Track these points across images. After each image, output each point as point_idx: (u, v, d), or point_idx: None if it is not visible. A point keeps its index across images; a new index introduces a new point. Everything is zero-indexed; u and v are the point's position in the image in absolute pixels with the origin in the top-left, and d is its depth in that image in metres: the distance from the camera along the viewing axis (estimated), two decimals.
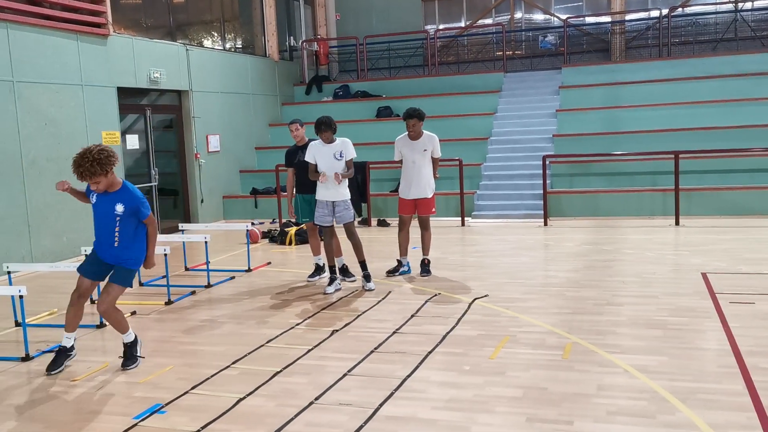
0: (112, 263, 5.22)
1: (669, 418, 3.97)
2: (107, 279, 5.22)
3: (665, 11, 16.06)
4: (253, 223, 12.05)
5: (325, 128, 7.23)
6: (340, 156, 7.29)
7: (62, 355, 5.28)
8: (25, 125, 9.32)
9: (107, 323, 5.45)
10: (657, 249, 9.02)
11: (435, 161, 8.01)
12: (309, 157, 7.37)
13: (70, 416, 4.38)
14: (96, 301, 5.38)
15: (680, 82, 14.08)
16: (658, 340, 5.36)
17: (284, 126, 15.13)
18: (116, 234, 5.12)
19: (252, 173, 14.68)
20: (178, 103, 12.97)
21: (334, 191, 7.30)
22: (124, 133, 11.39)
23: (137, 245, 5.24)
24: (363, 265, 7.54)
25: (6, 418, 4.44)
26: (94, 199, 5.18)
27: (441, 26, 18.50)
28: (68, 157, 9.87)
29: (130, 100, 11.76)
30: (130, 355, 5.33)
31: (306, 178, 7.60)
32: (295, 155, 7.98)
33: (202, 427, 4.10)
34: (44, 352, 5.70)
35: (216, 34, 15.24)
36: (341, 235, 7.69)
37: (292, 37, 17.75)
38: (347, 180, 7.42)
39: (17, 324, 6.54)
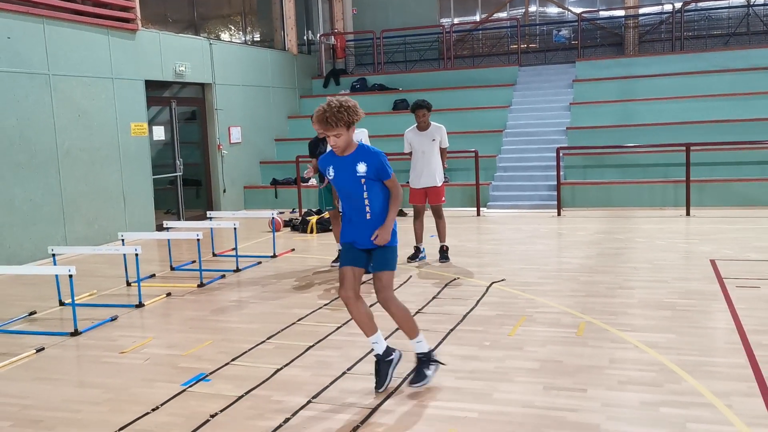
0: (370, 247, 4.43)
1: (675, 386, 4.30)
2: (372, 270, 4.46)
3: (678, 5, 16.30)
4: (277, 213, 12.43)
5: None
6: None
7: (383, 363, 4.46)
8: (60, 117, 9.73)
9: (397, 323, 4.49)
10: (668, 238, 9.32)
11: (443, 151, 8.34)
12: (312, 153, 8.02)
13: (124, 382, 4.77)
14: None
15: (693, 76, 14.32)
16: (668, 320, 5.68)
17: (303, 118, 15.58)
18: (366, 202, 4.36)
19: (272, 164, 15.07)
20: (201, 96, 13.36)
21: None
22: (150, 125, 11.79)
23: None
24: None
25: (66, 384, 4.84)
26: (331, 173, 4.43)
27: (456, 20, 18.78)
28: (100, 148, 10.47)
29: (157, 92, 12.17)
30: (419, 370, 4.49)
31: None
32: (317, 146, 8.30)
33: (246, 393, 4.48)
34: (91, 328, 6.10)
35: (237, 28, 15.62)
36: None
37: (310, 31, 18.11)
38: None
39: (61, 303, 6.95)
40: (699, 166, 11.84)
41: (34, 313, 6.74)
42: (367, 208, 4.38)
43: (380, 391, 4.40)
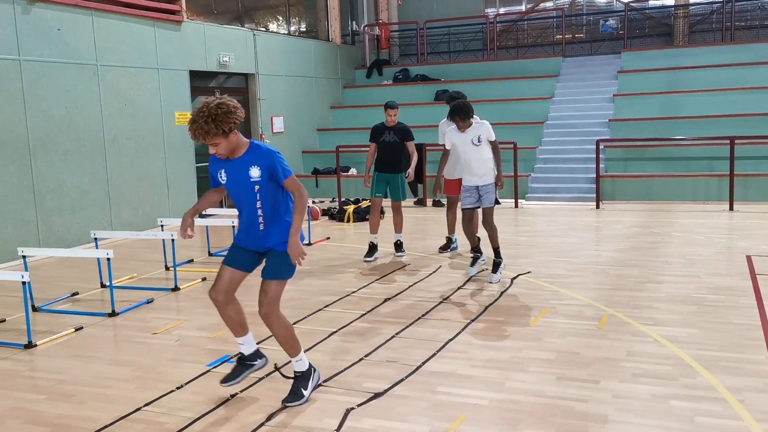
0: (262, 251, 4.07)
1: (690, 381, 4.30)
2: (263, 277, 4.03)
3: None
4: (314, 201, 12.63)
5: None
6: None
7: (242, 365, 4.25)
8: (107, 106, 10.10)
9: (274, 337, 4.16)
10: (706, 232, 9.17)
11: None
12: (373, 137, 8.22)
13: (153, 362, 5.01)
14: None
15: (741, 68, 13.94)
16: (692, 315, 5.64)
17: (345, 108, 15.82)
18: (259, 211, 3.92)
19: (314, 154, 15.28)
20: (245, 86, 13.63)
21: (477, 177, 7.03)
22: None
23: (287, 223, 3.98)
24: (496, 252, 7.09)
25: (99, 362, 5.10)
26: (223, 177, 3.96)
27: (501, 10, 18.66)
28: (145, 136, 10.83)
29: (201, 82, 12.47)
30: (296, 388, 4.16)
31: (386, 158, 8.17)
32: (381, 133, 8.24)
33: (267, 375, 4.65)
34: (128, 309, 6.38)
35: (281, 19, 15.84)
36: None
37: (354, 22, 18.23)
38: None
39: (102, 285, 7.27)
40: (744, 159, 11.57)
41: (77, 294, 7.07)
42: (260, 217, 3.94)
43: (224, 384, 4.18)
